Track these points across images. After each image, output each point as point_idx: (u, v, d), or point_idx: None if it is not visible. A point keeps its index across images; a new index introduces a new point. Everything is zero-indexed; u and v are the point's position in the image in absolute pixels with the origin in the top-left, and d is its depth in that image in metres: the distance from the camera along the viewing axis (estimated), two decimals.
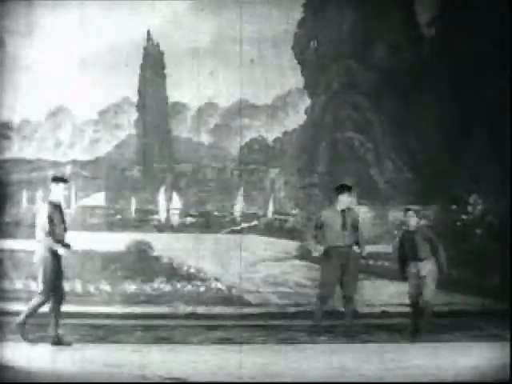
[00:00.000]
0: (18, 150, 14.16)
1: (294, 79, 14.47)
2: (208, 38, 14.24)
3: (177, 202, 14.40)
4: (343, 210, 12.00)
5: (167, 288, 13.96)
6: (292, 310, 13.78)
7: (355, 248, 12.02)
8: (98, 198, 14.26)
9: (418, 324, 11.86)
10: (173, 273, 14.06)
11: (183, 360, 10.17)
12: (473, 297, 12.40)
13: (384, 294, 13.84)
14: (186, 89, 14.31)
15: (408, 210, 12.15)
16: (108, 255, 13.94)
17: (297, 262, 14.28)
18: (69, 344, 10.88)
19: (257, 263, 14.21)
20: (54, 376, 9.27)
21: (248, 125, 14.58)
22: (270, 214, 14.48)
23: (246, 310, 13.74)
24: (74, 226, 13.81)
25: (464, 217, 14.12)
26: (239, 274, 14.07)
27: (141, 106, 14.37)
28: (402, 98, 14.16)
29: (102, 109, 14.28)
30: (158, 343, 11.29)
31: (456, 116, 13.88)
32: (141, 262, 14.01)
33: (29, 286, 13.41)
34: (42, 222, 10.82)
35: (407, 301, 12.03)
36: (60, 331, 11.03)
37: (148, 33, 14.21)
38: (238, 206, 14.42)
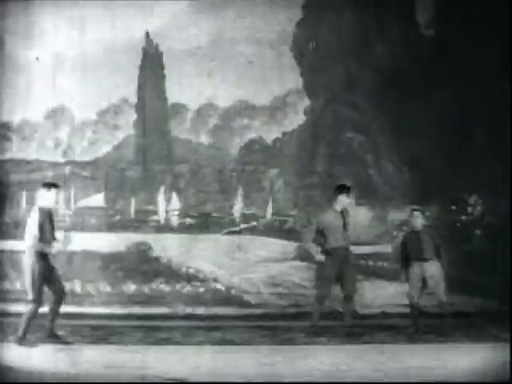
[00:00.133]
0: (17, 150, 14.17)
1: (294, 80, 14.47)
2: (207, 39, 14.26)
3: (176, 202, 14.41)
4: (342, 211, 11.99)
5: (166, 289, 13.96)
6: (291, 310, 13.76)
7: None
8: (98, 199, 14.26)
9: (417, 324, 11.90)
10: (172, 273, 14.05)
11: (183, 360, 10.17)
12: (473, 297, 12.39)
13: (383, 295, 13.83)
14: (185, 89, 14.31)
15: (414, 210, 12.20)
16: (107, 256, 13.93)
17: (296, 262, 14.27)
18: (65, 342, 10.86)
19: (256, 264, 14.21)
20: (53, 377, 9.26)
21: (247, 125, 14.60)
22: (269, 215, 14.48)
23: (246, 311, 13.73)
24: (73, 227, 13.90)
25: (464, 217, 14.12)
26: (238, 274, 14.08)
27: (140, 107, 14.37)
28: (402, 98, 14.15)
29: (101, 109, 14.29)
30: (158, 344, 11.29)
31: (456, 116, 13.88)
32: (140, 263, 14.01)
33: None
34: (32, 229, 10.73)
35: (408, 301, 12.06)
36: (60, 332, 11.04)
37: (147, 33, 14.22)
38: (237, 207, 14.43)
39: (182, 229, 14.34)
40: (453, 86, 13.90)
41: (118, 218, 14.27)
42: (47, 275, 10.79)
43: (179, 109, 14.54)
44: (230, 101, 14.47)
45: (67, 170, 14.23)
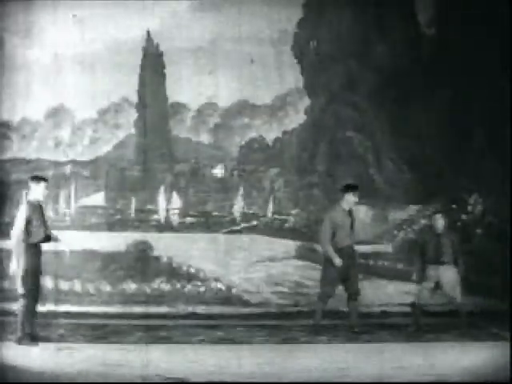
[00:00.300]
0: (17, 149, 14.16)
1: (294, 79, 14.47)
2: (208, 38, 14.26)
3: (176, 201, 14.41)
4: (350, 210, 11.99)
5: (167, 288, 13.95)
6: (292, 309, 13.76)
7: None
8: (98, 198, 14.26)
9: (419, 324, 11.97)
10: (172, 273, 14.05)
11: (183, 360, 10.18)
12: (473, 297, 12.39)
13: (384, 294, 13.84)
14: (185, 88, 14.31)
15: (435, 212, 12.33)
16: (108, 255, 13.93)
17: (296, 261, 14.28)
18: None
19: (256, 263, 14.20)
20: (54, 376, 9.27)
21: (248, 124, 14.61)
22: (269, 214, 14.48)
23: (246, 310, 13.73)
24: (73, 226, 13.91)
25: (464, 217, 14.12)
26: (239, 273, 14.09)
27: (140, 106, 14.37)
28: (402, 98, 14.15)
29: (101, 108, 14.28)
30: (158, 343, 11.29)
31: (456, 116, 13.88)
32: (140, 262, 14.01)
33: None
34: (19, 222, 10.74)
35: (415, 301, 12.13)
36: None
37: (148, 32, 14.21)
38: (238, 206, 14.43)
39: (183, 228, 14.34)
40: (453, 86, 13.90)
41: (118, 217, 14.27)
42: (39, 269, 10.82)
43: (180, 108, 14.54)
44: (230, 100, 14.47)
45: (67, 169, 14.23)
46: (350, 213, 11.98)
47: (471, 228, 14.02)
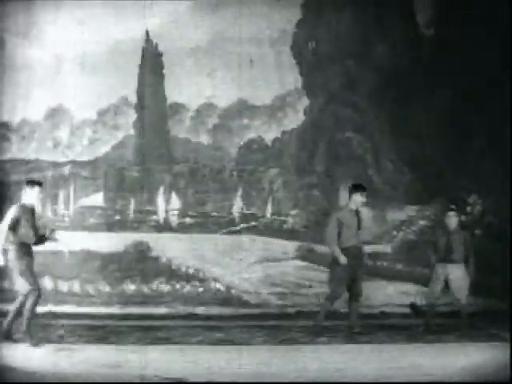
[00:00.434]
0: (16, 150, 14.15)
1: (293, 79, 14.47)
2: (207, 38, 14.25)
3: (175, 202, 14.40)
4: (357, 210, 11.99)
5: (166, 288, 13.95)
6: (291, 310, 13.76)
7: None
8: (97, 199, 14.25)
9: (429, 324, 12.00)
10: (172, 273, 14.05)
11: (182, 360, 10.17)
12: (473, 297, 12.38)
13: (383, 295, 13.84)
14: (184, 89, 14.31)
15: (449, 210, 12.23)
16: (107, 256, 13.92)
17: (296, 262, 14.27)
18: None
19: (256, 264, 14.20)
20: (53, 376, 9.27)
21: (247, 125, 14.60)
22: (268, 215, 14.48)
23: (245, 311, 13.72)
24: (72, 227, 13.91)
25: (463, 217, 14.11)
26: (238, 274, 14.08)
27: (139, 107, 14.36)
28: (401, 98, 14.15)
29: (100, 109, 14.27)
30: (157, 344, 11.27)
31: (455, 116, 13.87)
32: (140, 263, 14.01)
33: None
34: (4, 223, 10.76)
35: (424, 301, 12.17)
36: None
37: (147, 33, 14.20)
38: (237, 207, 14.42)
39: (182, 228, 14.33)
40: (452, 87, 13.89)
41: (117, 217, 14.26)
42: (33, 269, 10.84)
43: (179, 108, 14.53)
44: (229, 100, 14.46)
45: (67, 169, 14.22)
46: (357, 213, 11.98)
47: (471, 228, 14.01)
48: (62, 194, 14.14)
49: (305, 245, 14.23)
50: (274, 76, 14.35)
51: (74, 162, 14.31)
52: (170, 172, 14.45)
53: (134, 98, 14.30)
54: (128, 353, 10.56)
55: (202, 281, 14.02)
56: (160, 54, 14.28)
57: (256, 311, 13.73)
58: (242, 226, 14.37)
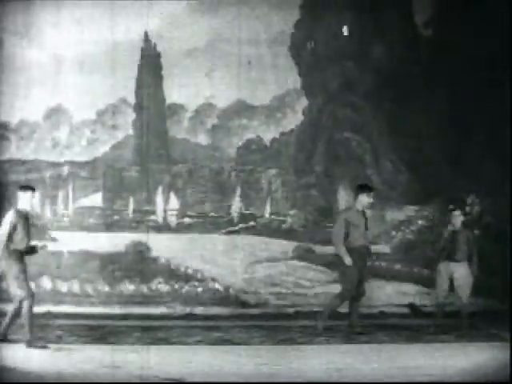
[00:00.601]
0: (15, 150, 14.14)
1: (292, 80, 14.47)
2: (205, 39, 14.26)
3: (174, 202, 14.40)
4: (363, 210, 12.00)
5: (165, 289, 13.95)
6: (290, 310, 13.76)
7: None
8: (96, 199, 14.25)
9: (438, 324, 12.01)
10: (170, 273, 14.05)
11: (181, 360, 10.16)
12: (473, 297, 12.39)
13: (382, 295, 13.85)
14: (183, 89, 14.32)
15: (452, 209, 12.22)
16: (106, 256, 13.92)
17: (294, 262, 14.27)
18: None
19: (254, 264, 14.20)
20: (52, 377, 9.26)
21: (245, 125, 14.60)
22: (267, 215, 14.48)
23: (244, 311, 13.73)
24: (71, 227, 13.90)
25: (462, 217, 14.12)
26: (237, 274, 14.08)
27: (138, 107, 14.36)
28: (400, 99, 14.16)
29: (99, 109, 14.27)
30: (156, 344, 11.27)
31: (454, 116, 13.88)
32: (138, 263, 14.00)
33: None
34: (3, 229, 10.77)
35: (432, 301, 12.21)
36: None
37: (145, 34, 14.20)
38: (236, 207, 14.42)
39: (181, 229, 14.34)
40: (451, 87, 13.89)
41: (116, 217, 14.25)
42: (26, 274, 10.85)
43: (177, 109, 14.53)
44: (228, 101, 14.47)
45: (65, 169, 14.22)
46: (364, 213, 12.00)
47: (469, 228, 14.00)
48: (60, 195, 14.14)
49: (303, 245, 14.24)
50: (273, 76, 14.36)
51: (72, 162, 14.30)
52: (168, 172, 14.45)
53: (132, 99, 14.30)
54: (127, 353, 10.56)
55: (200, 281, 14.02)
56: (159, 55, 14.28)
57: (255, 311, 13.74)
58: (240, 226, 14.37)
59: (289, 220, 14.46)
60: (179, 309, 13.72)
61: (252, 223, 14.41)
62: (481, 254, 12.17)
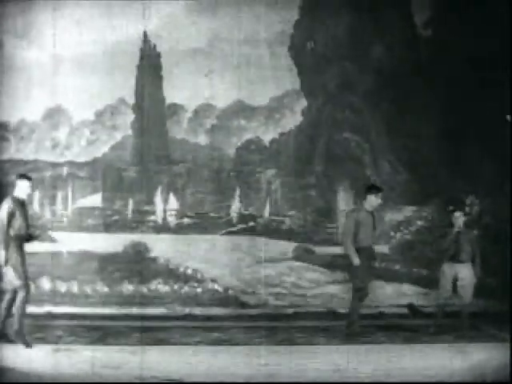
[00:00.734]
0: (15, 150, 14.15)
1: (291, 80, 14.46)
2: (205, 39, 14.25)
3: (173, 202, 14.40)
4: (372, 211, 12.00)
5: (164, 289, 13.94)
6: (289, 311, 13.76)
7: None
8: (95, 199, 14.25)
9: (439, 325, 11.99)
10: (170, 274, 14.04)
11: (180, 361, 10.17)
12: (473, 297, 12.38)
13: (381, 295, 13.84)
14: (182, 90, 14.30)
15: (454, 210, 12.24)
16: (105, 256, 13.91)
17: (294, 263, 14.27)
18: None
19: (254, 264, 14.19)
20: (52, 377, 9.27)
21: (245, 126, 14.59)
22: (266, 215, 14.47)
23: (243, 311, 13.72)
24: (70, 227, 13.90)
25: None
26: (236, 275, 14.06)
27: (137, 107, 14.36)
28: (399, 99, 14.15)
29: (99, 110, 14.27)
30: (155, 344, 11.28)
31: (453, 116, 13.88)
32: (138, 263, 13.99)
33: None
34: (1, 214, 10.84)
35: (431, 301, 12.19)
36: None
37: (145, 34, 14.20)
38: (235, 207, 14.42)
39: (180, 229, 14.33)
40: (452, 86, 13.88)
41: (115, 218, 14.26)
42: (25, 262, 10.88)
43: (177, 109, 14.53)
44: (227, 101, 14.46)
45: (65, 170, 14.22)
46: (372, 214, 12.00)
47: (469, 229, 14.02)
48: (60, 195, 14.14)
49: (303, 245, 14.24)
50: (272, 77, 14.35)
51: (72, 163, 14.31)
52: (168, 172, 14.45)
53: (132, 99, 14.30)
54: (126, 353, 10.57)
55: (200, 281, 14.01)
56: (158, 55, 14.28)
57: (254, 312, 13.73)
58: (239, 226, 14.37)
59: (288, 220, 14.45)
60: (178, 309, 13.72)
61: (251, 224, 14.40)
62: (481, 255, 12.17)
